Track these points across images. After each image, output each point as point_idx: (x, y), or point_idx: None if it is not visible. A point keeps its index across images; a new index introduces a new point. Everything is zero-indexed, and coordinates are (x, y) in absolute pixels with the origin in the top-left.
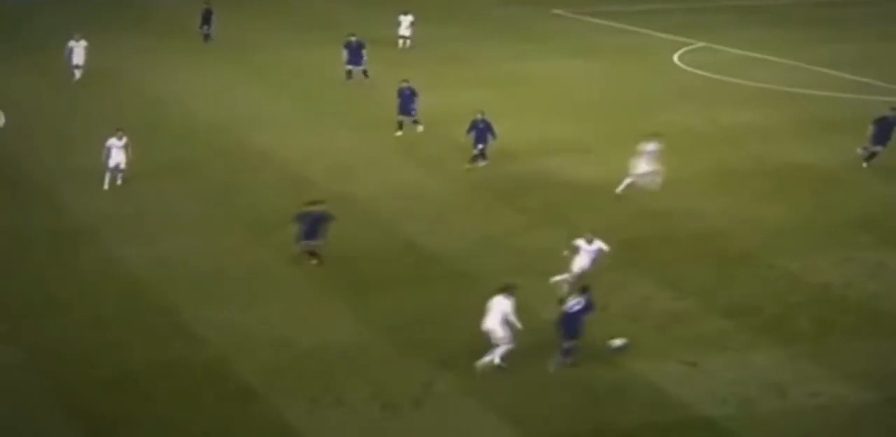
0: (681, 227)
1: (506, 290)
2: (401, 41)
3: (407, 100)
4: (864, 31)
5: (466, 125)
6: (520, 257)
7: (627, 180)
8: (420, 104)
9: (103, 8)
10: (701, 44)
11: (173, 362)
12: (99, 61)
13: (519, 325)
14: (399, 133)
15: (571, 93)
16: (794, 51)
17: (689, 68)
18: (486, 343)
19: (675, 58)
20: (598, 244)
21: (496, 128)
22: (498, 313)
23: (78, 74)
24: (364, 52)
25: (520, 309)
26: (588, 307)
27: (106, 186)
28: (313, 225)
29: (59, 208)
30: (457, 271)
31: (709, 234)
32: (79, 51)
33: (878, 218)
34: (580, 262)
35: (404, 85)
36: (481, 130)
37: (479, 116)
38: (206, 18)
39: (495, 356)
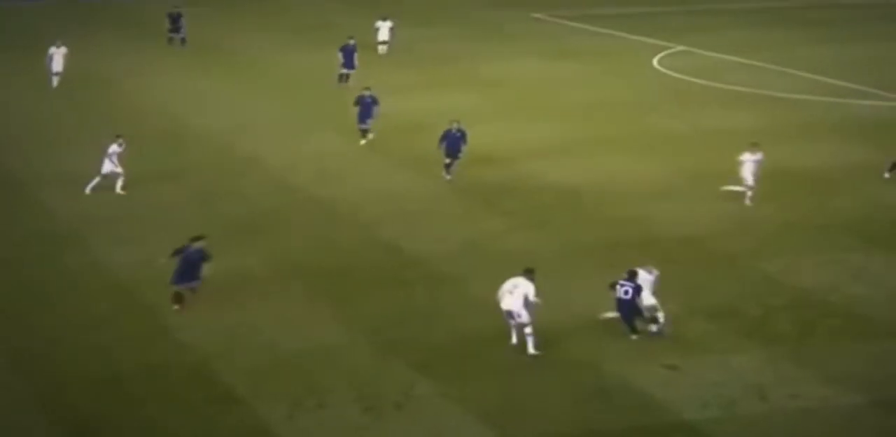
0: (663, 230)
1: (528, 272)
2: (380, 47)
3: (366, 108)
4: (845, 35)
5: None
6: (500, 260)
7: (737, 188)
8: (379, 113)
9: (87, 11)
10: (681, 47)
11: (158, 365)
12: (82, 65)
13: (540, 302)
14: (363, 142)
15: (552, 96)
16: (774, 54)
17: (668, 72)
18: (505, 326)
19: (655, 61)
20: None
21: (468, 136)
22: (521, 294)
23: (56, 81)
24: (356, 55)
25: (496, 312)
26: (637, 290)
27: (88, 190)
28: (189, 264)
29: (46, 212)
30: (438, 274)
31: (691, 237)
32: (58, 58)
33: (862, 221)
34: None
35: (366, 93)
36: (456, 140)
37: (454, 126)
38: (175, 22)
39: (531, 350)
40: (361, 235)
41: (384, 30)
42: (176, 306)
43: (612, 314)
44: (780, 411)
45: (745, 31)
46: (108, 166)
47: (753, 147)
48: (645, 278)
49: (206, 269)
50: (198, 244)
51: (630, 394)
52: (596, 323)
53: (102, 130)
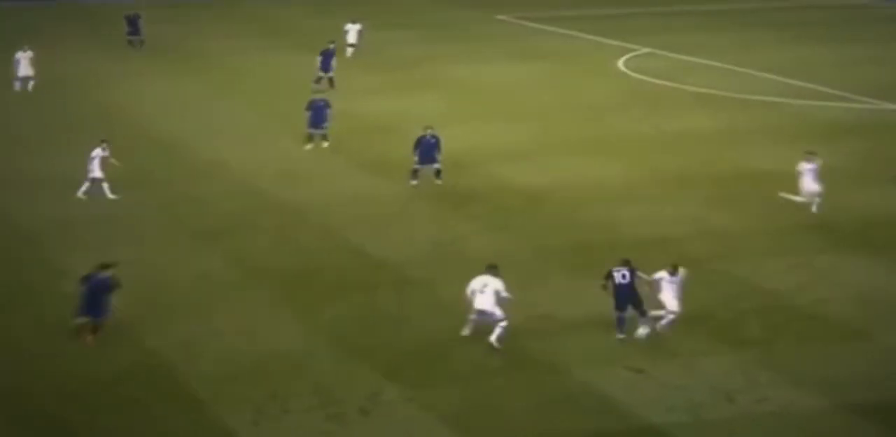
0: (629, 233)
1: (492, 269)
2: (348, 49)
3: (319, 112)
4: (810, 37)
5: (411, 132)
6: (467, 263)
7: (798, 198)
8: (332, 116)
9: (48, 13)
10: (646, 49)
11: (120, 371)
12: (44, 69)
13: (512, 297)
14: (308, 147)
15: (517, 99)
16: (739, 56)
17: (634, 74)
18: (477, 326)
19: (620, 63)
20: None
21: (442, 142)
22: (492, 292)
23: (30, 85)
24: (335, 60)
25: (462, 316)
26: (633, 272)
27: (81, 194)
28: (95, 294)
29: (6, 216)
30: (404, 278)
31: (658, 240)
32: (25, 62)
33: (829, 223)
34: (666, 296)
35: (317, 97)
36: (431, 146)
37: (428, 132)
38: (133, 24)
39: (493, 339)
40: (327, 238)
41: (353, 33)
42: (87, 338)
43: (659, 312)
44: (746, 414)
45: (711, 33)
46: (95, 171)
47: (809, 156)
48: (667, 279)
49: (114, 300)
50: (106, 272)
51: (596, 398)
52: (562, 326)
53: (63, 134)
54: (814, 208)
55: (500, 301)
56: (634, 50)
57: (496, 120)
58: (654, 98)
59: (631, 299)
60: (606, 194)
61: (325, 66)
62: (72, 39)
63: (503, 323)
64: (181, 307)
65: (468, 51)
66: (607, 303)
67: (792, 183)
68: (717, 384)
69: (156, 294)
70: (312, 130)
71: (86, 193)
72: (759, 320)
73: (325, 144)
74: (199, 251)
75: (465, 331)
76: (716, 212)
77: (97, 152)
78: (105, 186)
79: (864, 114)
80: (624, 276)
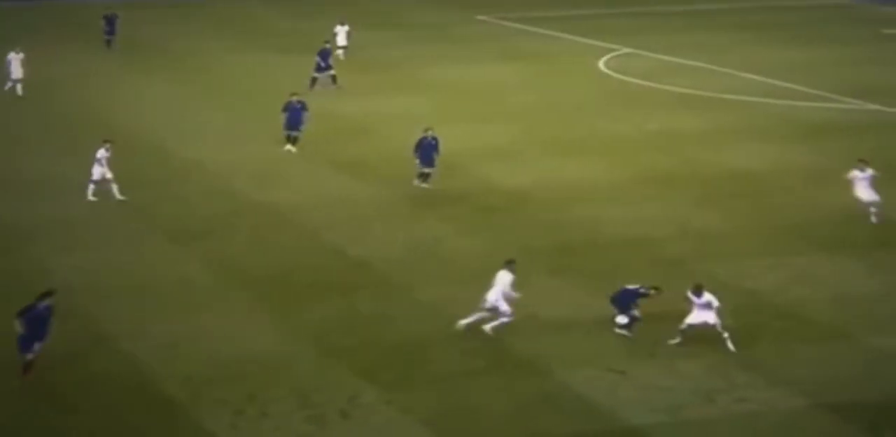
0: (611, 233)
1: (509, 264)
2: (339, 51)
3: (295, 114)
4: (789, 37)
5: (392, 133)
6: (445, 264)
7: (872, 208)
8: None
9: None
10: (627, 50)
11: (98, 374)
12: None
13: (517, 294)
14: (288, 148)
15: (499, 99)
16: (720, 56)
17: (614, 74)
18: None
19: (601, 64)
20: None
21: (441, 144)
22: (501, 286)
23: (19, 88)
24: (331, 60)
25: (441, 317)
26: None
27: (90, 197)
28: (36, 325)
29: None
30: (383, 279)
31: (639, 240)
32: (16, 64)
33: (809, 224)
34: (702, 316)
35: (294, 99)
36: (431, 148)
37: (429, 134)
38: (111, 24)
39: (488, 327)
40: (305, 240)
41: (342, 34)
42: (28, 377)
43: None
44: (726, 415)
45: (691, 33)
46: (98, 172)
47: (862, 164)
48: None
49: (52, 327)
50: (46, 301)
51: (576, 399)
52: (543, 327)
53: (41, 136)
54: (873, 219)
55: (506, 296)
56: (615, 50)
57: (478, 121)
58: (636, 98)
59: (621, 306)
60: (589, 195)
61: (321, 67)
62: (53, 40)
63: (505, 319)
64: (159, 310)
65: (449, 52)
66: (590, 304)
67: (765, 183)
68: (697, 384)
69: (133, 296)
70: (288, 133)
71: (120, 192)
72: (738, 320)
73: (290, 147)
74: (177, 253)
75: (462, 322)
76: (698, 212)
77: (101, 153)
78: (114, 187)
79: (845, 114)
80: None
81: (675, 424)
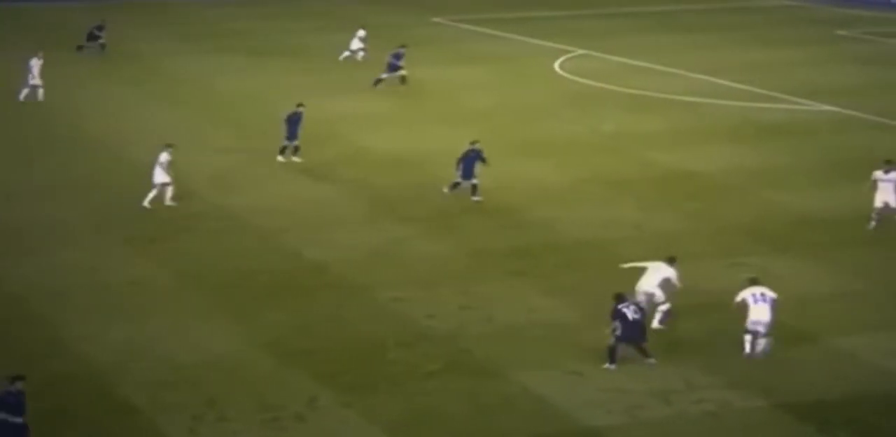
0: (566, 235)
1: (672, 259)
2: (361, 53)
3: (294, 125)
4: (746, 38)
5: (350, 136)
6: (405, 267)
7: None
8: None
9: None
10: (581, 51)
11: (53, 378)
12: None
13: (680, 285)
14: (288, 159)
15: (453, 101)
16: (674, 58)
17: (570, 76)
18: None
19: (556, 65)
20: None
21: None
22: (660, 276)
23: (41, 93)
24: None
25: (403, 320)
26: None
27: (146, 204)
28: (10, 409)
29: None
30: (342, 282)
31: (594, 242)
32: (36, 70)
33: (763, 224)
34: (760, 314)
35: (300, 109)
36: (472, 160)
37: (475, 146)
38: (99, 30)
39: (656, 322)
40: (263, 243)
41: (356, 39)
42: None
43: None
44: (683, 415)
45: (646, 34)
46: (159, 176)
47: (888, 166)
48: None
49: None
50: (17, 385)
51: (533, 401)
52: (499, 330)
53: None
54: (872, 224)
55: (663, 285)
56: (570, 52)
57: (433, 122)
58: (591, 100)
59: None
60: (545, 197)
61: (392, 68)
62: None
63: (664, 306)
64: (115, 313)
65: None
66: (545, 306)
67: (719, 184)
68: (654, 385)
69: (90, 299)
70: (287, 143)
71: (172, 198)
72: (694, 321)
73: (295, 159)
74: (134, 256)
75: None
76: (653, 213)
77: (164, 157)
78: (169, 191)
79: (798, 115)
80: (635, 311)
81: (632, 425)
